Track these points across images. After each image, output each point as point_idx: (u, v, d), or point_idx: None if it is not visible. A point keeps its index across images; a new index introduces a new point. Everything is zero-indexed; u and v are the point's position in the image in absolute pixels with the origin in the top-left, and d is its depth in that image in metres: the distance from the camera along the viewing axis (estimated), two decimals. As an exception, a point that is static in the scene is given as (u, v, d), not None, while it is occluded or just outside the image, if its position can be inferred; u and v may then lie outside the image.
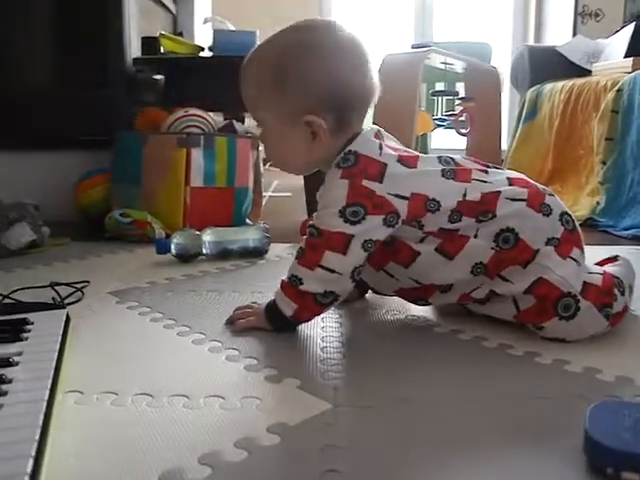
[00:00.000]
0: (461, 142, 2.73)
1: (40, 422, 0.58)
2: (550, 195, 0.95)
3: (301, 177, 1.86)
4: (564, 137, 2.52)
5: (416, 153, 0.97)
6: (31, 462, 0.51)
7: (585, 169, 2.32)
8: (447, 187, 0.92)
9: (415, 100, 2.04)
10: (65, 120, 1.94)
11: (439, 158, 0.96)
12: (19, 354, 0.74)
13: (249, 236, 1.49)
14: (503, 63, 3.51)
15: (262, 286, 1.20)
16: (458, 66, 2.54)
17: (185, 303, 1.11)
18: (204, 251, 1.44)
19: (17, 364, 0.71)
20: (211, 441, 0.63)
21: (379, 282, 1.03)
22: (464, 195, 0.91)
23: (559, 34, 3.85)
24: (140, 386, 0.76)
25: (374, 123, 1.00)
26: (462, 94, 2.77)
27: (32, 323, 0.85)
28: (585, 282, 0.91)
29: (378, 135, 0.96)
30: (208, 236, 1.44)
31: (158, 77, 2.21)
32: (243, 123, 2.04)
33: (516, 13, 4.25)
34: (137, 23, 2.09)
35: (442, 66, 2.50)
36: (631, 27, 2.74)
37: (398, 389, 0.77)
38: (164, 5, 2.59)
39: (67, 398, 0.72)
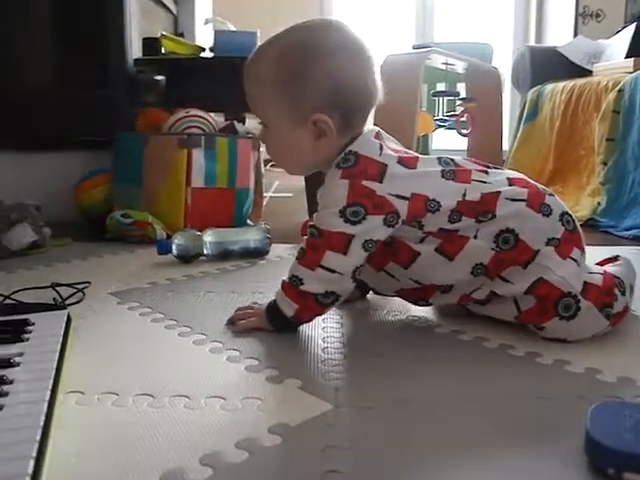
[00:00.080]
0: (462, 143, 2.73)
1: (41, 423, 0.58)
2: (550, 195, 0.95)
3: (302, 178, 1.86)
4: (565, 137, 2.52)
5: (416, 154, 0.97)
6: (32, 463, 0.51)
7: (586, 169, 2.32)
8: (447, 187, 0.92)
9: (416, 101, 2.04)
10: (66, 121, 1.94)
11: (439, 159, 0.96)
12: (20, 355, 0.74)
13: (250, 237, 1.49)
14: (504, 63, 3.51)
15: (263, 287, 1.20)
16: (459, 67, 2.54)
17: (186, 304, 1.11)
18: (205, 252, 1.44)
19: (18, 365, 0.71)
20: (212, 442, 0.63)
21: (379, 282, 1.03)
22: (464, 195, 0.91)
23: (560, 34, 3.85)
24: (141, 387, 0.76)
25: (375, 124, 1.00)
26: (463, 95, 2.77)
27: (33, 324, 0.85)
28: (586, 282, 0.91)
29: (378, 136, 0.96)
30: (209, 237, 1.44)
31: (159, 78, 2.21)
32: (244, 124, 2.04)
33: (517, 13, 4.25)
34: (138, 24, 2.09)
35: (443, 67, 2.50)
36: (632, 27, 2.74)
37: (399, 390, 0.77)
38: (165, 6, 2.59)
39: (68, 399, 0.72)
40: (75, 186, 1.88)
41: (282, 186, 2.91)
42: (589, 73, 2.75)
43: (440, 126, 2.70)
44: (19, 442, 0.54)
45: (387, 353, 0.90)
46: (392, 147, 0.96)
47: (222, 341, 0.92)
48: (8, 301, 1.07)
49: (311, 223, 0.92)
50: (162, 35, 2.15)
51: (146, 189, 1.72)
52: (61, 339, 0.80)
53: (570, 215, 0.95)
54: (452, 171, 0.94)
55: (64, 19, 2.01)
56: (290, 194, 2.66)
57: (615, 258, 1.08)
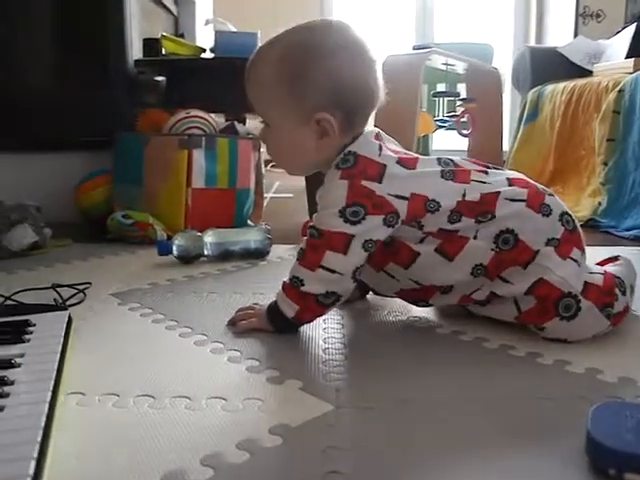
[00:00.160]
0: (462, 143, 2.73)
1: (42, 424, 0.58)
2: (550, 195, 0.95)
3: (302, 178, 1.86)
4: (565, 138, 2.52)
5: (415, 155, 0.98)
6: (33, 464, 0.51)
7: (586, 170, 2.32)
8: (446, 188, 0.92)
9: (416, 101, 2.04)
10: (67, 121, 1.94)
11: (438, 160, 0.96)
12: (21, 356, 0.74)
13: (250, 237, 1.49)
14: (504, 64, 3.51)
15: (263, 287, 1.20)
16: (459, 67, 2.54)
17: (187, 304, 1.11)
18: (205, 252, 1.44)
19: (19, 366, 0.71)
20: (213, 442, 0.63)
21: (379, 283, 1.03)
22: (463, 196, 0.91)
23: (560, 35, 3.85)
24: (142, 387, 0.76)
25: (375, 124, 1.00)
26: (463, 95, 2.78)
27: (34, 325, 0.85)
28: (586, 282, 0.91)
29: (378, 137, 0.96)
30: (209, 237, 1.44)
31: (159, 78, 2.21)
32: (245, 124, 2.04)
33: (517, 14, 4.25)
34: (138, 24, 2.09)
35: (443, 67, 2.51)
36: (632, 28, 2.74)
37: (400, 390, 0.77)
38: (165, 6, 2.59)
39: (69, 400, 0.73)
40: (75, 187, 1.88)
41: (282, 187, 2.91)
42: (589, 73, 2.75)
43: (440, 127, 2.71)
44: (20, 443, 0.54)
45: (388, 354, 0.90)
46: (392, 148, 0.96)
47: (223, 342, 0.92)
48: (9, 302, 1.07)
49: (311, 224, 0.92)
50: (162, 36, 2.15)
51: (146, 190, 1.72)
52: (62, 340, 0.80)
53: (570, 215, 0.95)
54: (451, 171, 0.94)
55: (65, 19, 2.02)
56: (290, 195, 2.66)
57: (615, 258, 1.08)
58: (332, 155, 0.93)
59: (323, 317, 0.98)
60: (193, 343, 0.92)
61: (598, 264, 1.06)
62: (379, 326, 1.03)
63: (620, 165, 2.08)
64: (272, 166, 2.36)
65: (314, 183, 0.97)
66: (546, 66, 2.96)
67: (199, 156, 1.70)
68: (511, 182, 0.94)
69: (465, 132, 2.63)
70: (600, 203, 2.08)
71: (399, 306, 1.09)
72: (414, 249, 0.92)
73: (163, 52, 2.15)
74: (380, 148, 0.93)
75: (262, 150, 1.88)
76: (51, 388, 0.65)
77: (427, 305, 1.02)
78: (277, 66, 0.91)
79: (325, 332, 0.97)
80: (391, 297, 1.06)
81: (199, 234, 1.44)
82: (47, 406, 0.61)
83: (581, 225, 0.98)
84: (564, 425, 0.68)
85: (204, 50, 2.19)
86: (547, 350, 0.89)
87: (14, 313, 0.90)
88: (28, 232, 1.49)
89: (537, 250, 0.90)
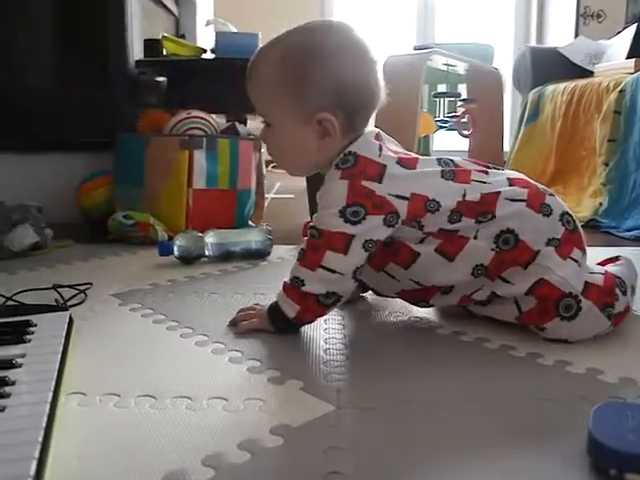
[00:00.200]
0: (463, 144, 2.73)
1: (43, 424, 0.58)
2: (550, 195, 0.95)
3: (303, 179, 1.86)
4: (566, 138, 2.52)
5: (416, 155, 0.98)
6: (34, 464, 0.51)
7: (587, 170, 2.32)
8: (447, 188, 0.92)
9: (417, 102, 2.04)
10: (68, 122, 1.94)
11: (438, 160, 0.96)
12: (22, 356, 0.74)
13: (251, 238, 1.49)
14: (505, 64, 3.51)
15: (264, 288, 1.20)
16: (460, 67, 2.54)
17: (188, 305, 1.12)
18: (206, 253, 1.44)
19: (20, 366, 0.72)
20: (214, 443, 0.63)
21: (380, 283, 1.03)
22: (464, 196, 0.91)
23: (561, 35, 3.85)
24: (143, 388, 0.76)
25: (376, 125, 1.00)
26: (464, 95, 2.77)
27: (35, 325, 0.85)
28: (586, 282, 0.91)
29: (378, 137, 0.96)
30: (210, 238, 1.44)
31: (160, 79, 2.21)
32: (245, 125, 2.04)
33: (518, 14, 4.25)
34: (139, 25, 2.09)
35: (444, 67, 2.50)
36: (633, 28, 2.74)
37: (401, 391, 0.77)
38: (166, 7, 2.60)
39: (70, 400, 0.73)
40: (77, 187, 1.88)
41: (283, 187, 2.91)
42: (590, 74, 2.75)
43: (441, 127, 2.70)
44: (21, 443, 0.54)
45: (389, 354, 0.90)
46: (392, 148, 0.96)
47: (224, 342, 0.92)
48: (10, 302, 1.07)
49: (311, 224, 0.93)
50: (163, 36, 2.15)
51: (147, 190, 1.72)
52: (63, 340, 0.80)
53: (570, 215, 0.95)
54: (452, 171, 0.94)
55: (65, 20, 2.02)
56: (291, 195, 2.66)
57: (616, 258, 1.08)
58: (333, 156, 0.93)
59: (324, 318, 0.98)
60: (194, 343, 0.92)
61: (599, 264, 1.06)
62: (380, 327, 1.03)
63: (621, 166, 2.08)
64: (273, 167, 2.36)
65: (315, 184, 0.97)
66: (547, 66, 2.96)
67: (200, 157, 1.71)
68: (511, 182, 0.94)
69: (466, 133, 2.63)
70: (601, 204, 2.08)
71: (400, 307, 1.09)
72: (414, 249, 0.92)
73: (164, 53, 2.15)
74: (380, 148, 0.93)
75: (263, 151, 1.88)
76: (52, 388, 0.65)
77: (428, 305, 1.02)
78: (278, 66, 0.92)
79: (326, 332, 0.97)
80: (392, 297, 1.06)
81: (200, 235, 1.44)
82: (48, 406, 0.61)
83: (582, 226, 0.98)
84: (565, 425, 0.68)
85: (205, 51, 2.19)
86: (548, 350, 0.89)
87: (15, 313, 0.90)
88: (29, 232, 1.49)
89: (537, 250, 0.90)
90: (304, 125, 0.92)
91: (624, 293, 0.94)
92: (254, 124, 1.98)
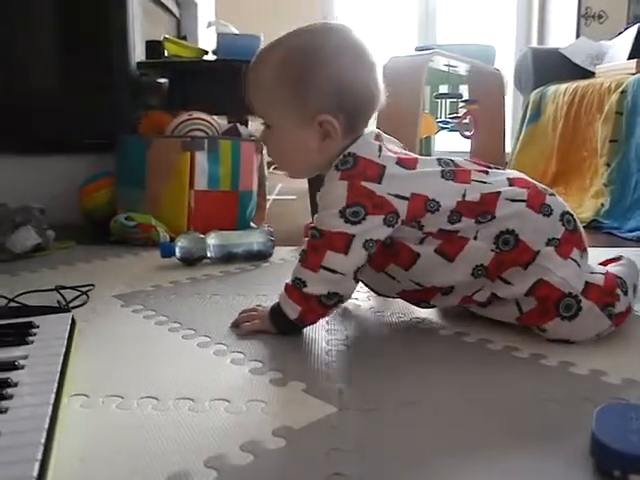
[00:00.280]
0: (465, 144, 2.73)
1: (46, 425, 0.58)
2: (551, 195, 0.95)
3: (305, 180, 1.86)
4: (568, 139, 2.52)
5: (415, 155, 0.98)
6: (37, 466, 0.51)
7: (589, 171, 2.32)
8: (446, 188, 0.92)
9: (419, 103, 2.04)
10: (69, 124, 1.94)
11: (439, 160, 0.96)
12: (25, 358, 0.74)
13: (253, 239, 1.49)
14: (507, 65, 3.51)
15: (266, 289, 1.20)
16: (462, 68, 2.54)
17: (190, 306, 1.12)
18: (208, 254, 1.44)
19: (23, 368, 0.71)
20: (217, 444, 0.63)
21: (381, 284, 1.03)
22: (464, 196, 0.91)
23: (562, 36, 3.85)
24: (145, 389, 0.76)
25: (378, 126, 1.00)
26: (466, 96, 2.77)
27: (37, 327, 0.85)
28: (587, 282, 0.91)
29: (378, 138, 0.96)
30: (212, 239, 1.44)
31: (162, 81, 2.22)
32: (247, 126, 2.04)
33: (519, 15, 4.25)
34: (141, 27, 2.09)
35: (446, 68, 2.50)
36: (635, 29, 2.74)
37: (403, 392, 0.77)
38: (168, 9, 2.60)
39: (72, 401, 0.73)
40: (79, 189, 1.88)
41: (285, 189, 2.91)
42: (592, 74, 2.74)
43: (443, 128, 2.70)
44: (24, 445, 0.54)
45: (391, 355, 0.90)
46: (392, 149, 0.96)
47: (226, 343, 0.92)
48: (12, 304, 1.07)
49: (312, 225, 0.93)
50: (165, 38, 2.16)
51: (149, 192, 1.72)
52: (65, 342, 0.80)
53: (571, 215, 0.95)
54: (452, 171, 0.94)
55: (67, 21, 2.02)
56: (293, 196, 2.66)
57: (618, 258, 1.08)
58: (333, 157, 0.93)
59: (326, 319, 0.98)
60: (196, 345, 0.92)
61: (600, 264, 1.06)
62: (382, 328, 1.03)
63: (623, 166, 2.08)
64: (275, 168, 2.36)
65: (317, 185, 0.97)
66: (548, 67, 2.96)
67: (202, 158, 1.71)
68: (512, 182, 0.94)
69: (467, 133, 2.62)
70: (603, 204, 2.07)
71: (402, 307, 1.09)
72: (414, 250, 0.92)
73: (165, 54, 2.15)
74: (380, 149, 0.93)
75: (264, 152, 1.88)
76: (55, 390, 0.65)
77: (429, 306, 1.02)
78: (279, 69, 0.92)
79: (328, 334, 0.97)
80: (393, 298, 1.06)
81: (202, 236, 1.44)
82: (51, 408, 0.61)
83: (584, 226, 0.97)
84: (568, 426, 0.68)
85: (206, 52, 2.20)
86: (551, 351, 0.89)
87: (17, 315, 0.90)
88: (31, 234, 1.49)
89: (537, 250, 0.90)
90: (305, 127, 0.92)
91: (625, 293, 0.94)
92: (255, 125, 1.98)
